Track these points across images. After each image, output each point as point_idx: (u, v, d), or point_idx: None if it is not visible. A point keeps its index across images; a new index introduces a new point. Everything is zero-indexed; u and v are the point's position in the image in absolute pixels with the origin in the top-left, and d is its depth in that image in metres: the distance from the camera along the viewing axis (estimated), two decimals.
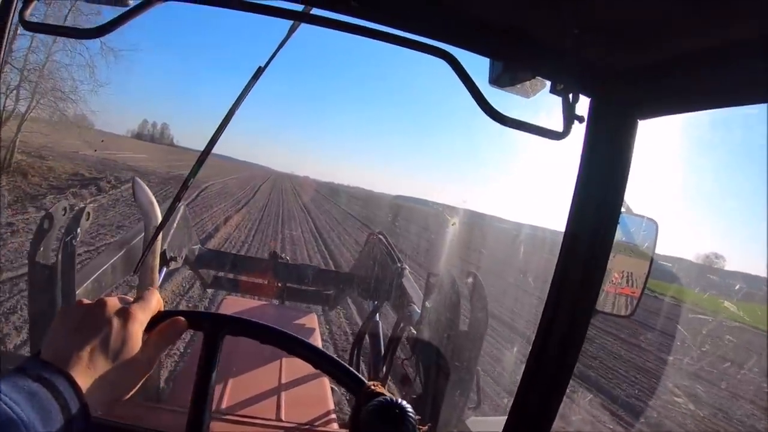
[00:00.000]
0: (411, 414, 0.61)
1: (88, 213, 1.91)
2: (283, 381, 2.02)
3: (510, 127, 1.00)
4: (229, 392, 1.83)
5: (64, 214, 1.82)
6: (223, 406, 1.74)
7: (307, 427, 1.70)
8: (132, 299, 0.68)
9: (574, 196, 1.03)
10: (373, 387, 0.66)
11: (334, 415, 1.86)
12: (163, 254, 2.71)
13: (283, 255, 5.08)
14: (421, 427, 0.64)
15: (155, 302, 0.69)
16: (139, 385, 0.63)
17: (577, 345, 1.04)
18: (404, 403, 0.63)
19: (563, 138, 1.01)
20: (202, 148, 1.03)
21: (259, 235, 12.96)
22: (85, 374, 0.55)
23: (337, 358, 0.72)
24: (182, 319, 0.70)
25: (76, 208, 1.88)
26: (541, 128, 1.02)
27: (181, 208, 3.25)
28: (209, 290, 5.53)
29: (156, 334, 0.67)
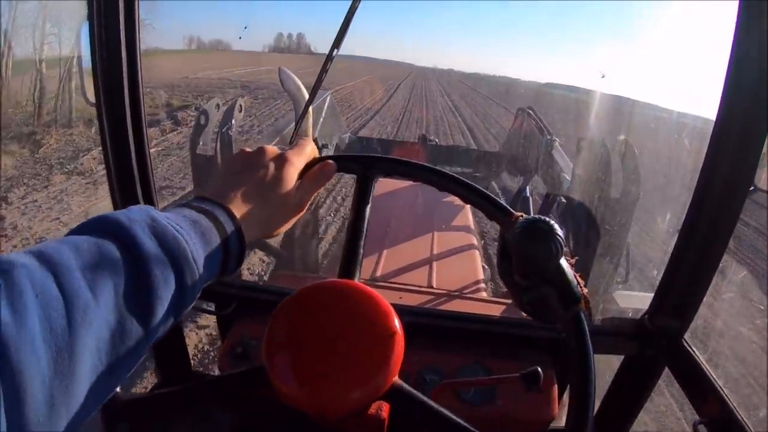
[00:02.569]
0: (558, 233, 0.63)
1: (241, 105, 2.22)
2: (435, 252, 2.18)
3: None
4: (383, 262, 2.03)
5: (217, 110, 2.13)
6: (378, 274, 1.95)
7: (456, 293, 1.84)
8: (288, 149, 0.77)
9: (730, 58, 0.95)
10: (521, 216, 0.68)
11: (483, 285, 1.98)
12: (315, 142, 2.97)
13: (432, 137, 5.27)
14: (569, 260, 0.67)
15: (310, 149, 0.77)
16: (290, 225, 0.73)
17: (732, 220, 1.02)
18: (552, 221, 0.64)
19: None
20: (343, 53, 1.12)
21: None
22: (241, 209, 0.64)
23: (486, 191, 0.75)
24: (332, 162, 0.77)
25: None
26: None
27: (328, 97, 3.57)
28: None
29: (308, 178, 0.74)
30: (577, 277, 0.66)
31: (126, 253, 0.50)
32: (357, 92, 27.54)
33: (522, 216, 0.68)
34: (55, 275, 0.44)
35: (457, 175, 0.76)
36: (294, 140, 1.90)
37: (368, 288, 0.66)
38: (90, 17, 1.10)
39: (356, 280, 0.74)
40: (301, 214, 0.74)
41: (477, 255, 2.26)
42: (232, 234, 0.62)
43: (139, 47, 1.14)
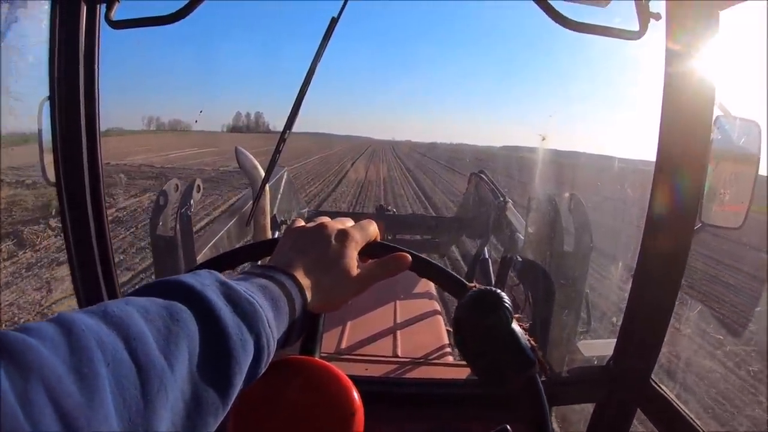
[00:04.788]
0: (506, 301, 0.66)
1: (198, 186, 2.26)
2: (398, 321, 2.18)
3: (581, 31, 1.05)
4: (347, 335, 2.01)
5: (176, 190, 2.17)
6: (342, 347, 1.93)
7: (422, 360, 1.85)
8: (350, 223, 0.76)
9: (662, 106, 1.05)
10: (474, 286, 0.71)
11: (449, 349, 1.98)
12: (273, 219, 3.07)
13: (389, 207, 5.40)
14: (522, 324, 0.68)
15: (372, 230, 0.76)
16: (348, 301, 0.70)
17: (682, 260, 1.08)
18: (498, 291, 0.68)
19: (640, 37, 1.03)
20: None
21: None
22: (305, 279, 0.63)
23: (441, 265, 0.77)
24: (409, 257, 0.74)
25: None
26: (615, 29, 1.04)
27: (285, 174, 3.63)
28: None
29: (379, 263, 0.73)
30: (531, 341, 0.68)
31: (200, 318, 0.48)
32: (313, 169, 27.20)
33: (476, 286, 0.71)
34: (125, 340, 0.41)
35: (412, 251, 0.77)
36: (252, 218, 1.93)
37: (329, 365, 0.67)
38: (51, 96, 1.14)
39: (317, 356, 0.74)
40: (360, 293, 0.71)
41: (440, 320, 2.28)
42: (299, 303, 0.61)
43: (99, 126, 1.18)
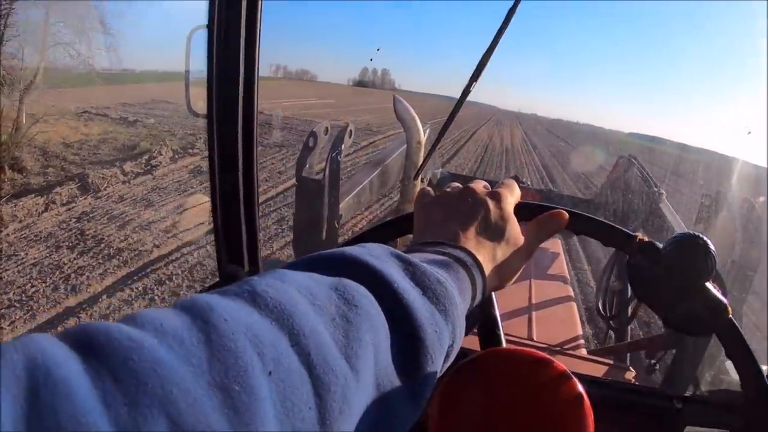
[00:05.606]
0: (712, 246, 0.63)
1: (351, 131, 2.27)
2: (533, 302, 2.11)
3: None
4: None
5: (326, 133, 2.19)
6: None
7: (557, 349, 1.76)
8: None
9: None
10: (642, 237, 0.67)
11: (582, 341, 1.90)
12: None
13: (524, 180, 5.21)
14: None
15: (517, 189, 0.64)
16: (518, 275, 0.60)
17: None
18: (703, 235, 0.64)
19: None
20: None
21: None
22: (479, 254, 0.51)
23: (600, 219, 0.71)
24: (566, 214, 0.65)
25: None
26: None
27: (428, 130, 3.61)
28: None
29: (537, 224, 0.63)
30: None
31: (384, 304, 0.35)
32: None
33: (641, 237, 0.67)
34: (292, 337, 0.28)
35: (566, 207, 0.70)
36: (420, 173, 1.91)
37: (550, 357, 0.60)
38: (210, 25, 1.09)
39: (504, 345, 0.70)
40: (529, 259, 0.61)
41: (574, 308, 2.19)
42: (480, 282, 0.49)
43: (258, 57, 1.12)
